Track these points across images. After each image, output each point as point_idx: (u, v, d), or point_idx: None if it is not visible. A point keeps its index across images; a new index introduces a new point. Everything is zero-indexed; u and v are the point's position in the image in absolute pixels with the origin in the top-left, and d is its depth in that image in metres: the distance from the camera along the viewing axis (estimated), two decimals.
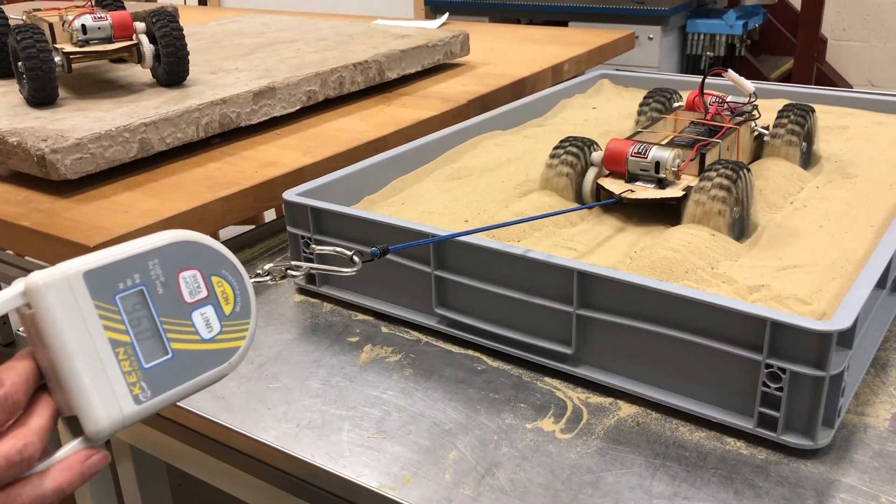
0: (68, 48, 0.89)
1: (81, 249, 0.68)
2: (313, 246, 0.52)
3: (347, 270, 0.49)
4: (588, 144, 0.75)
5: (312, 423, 0.57)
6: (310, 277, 0.74)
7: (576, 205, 0.74)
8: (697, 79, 1.07)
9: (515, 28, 1.65)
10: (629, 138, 0.74)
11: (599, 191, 0.73)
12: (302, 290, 0.75)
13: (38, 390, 0.39)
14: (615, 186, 0.71)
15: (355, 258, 0.50)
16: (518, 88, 1.15)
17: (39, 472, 0.38)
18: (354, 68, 1.05)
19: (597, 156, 0.73)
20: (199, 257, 0.42)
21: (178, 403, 0.60)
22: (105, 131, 0.79)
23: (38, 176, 0.79)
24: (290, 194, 0.73)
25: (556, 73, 1.23)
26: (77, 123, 0.81)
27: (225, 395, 0.61)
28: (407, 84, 1.15)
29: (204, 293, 0.42)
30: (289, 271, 0.48)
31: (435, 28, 1.39)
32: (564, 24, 2.58)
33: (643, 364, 0.57)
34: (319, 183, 0.76)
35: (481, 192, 0.79)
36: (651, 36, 2.50)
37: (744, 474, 0.50)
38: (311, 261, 0.48)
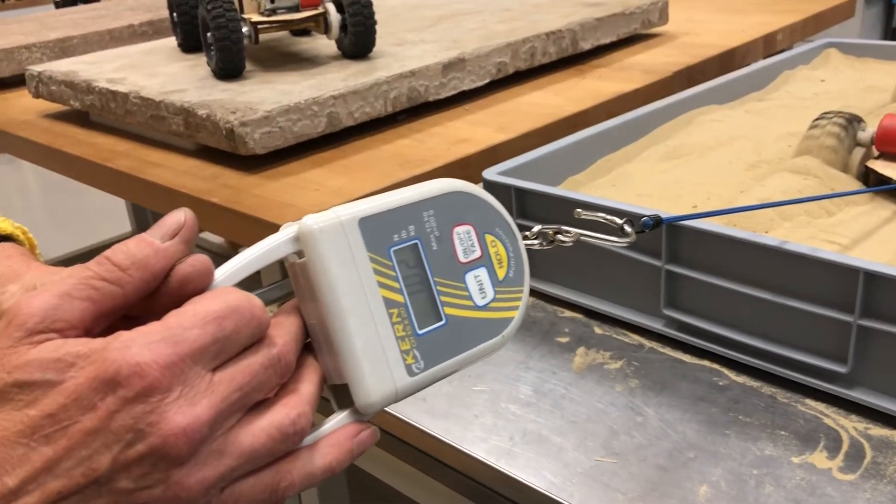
0: (255, 18, 0.85)
1: (272, 228, 0.63)
2: (578, 210, 0.45)
3: (621, 241, 0.42)
4: (853, 120, 0.63)
5: (528, 436, 0.49)
6: None
7: (837, 189, 0.62)
8: None
9: None
10: None
11: (869, 174, 0.60)
12: None
13: (303, 352, 0.34)
14: (891, 171, 0.58)
15: (626, 227, 0.42)
16: (727, 60, 1.02)
17: (308, 447, 0.33)
18: (547, 38, 0.96)
19: (865, 134, 0.61)
20: (474, 211, 0.36)
21: None
22: (294, 104, 0.74)
23: (226, 150, 0.75)
24: (491, 174, 0.65)
25: (767, 44, 1.09)
26: (265, 96, 0.77)
27: (425, 396, 0.54)
28: (601, 56, 1.04)
29: (478, 253, 0.36)
30: (557, 236, 0.40)
31: None
32: None
33: None
34: (519, 162, 0.68)
35: (706, 173, 0.69)
36: None
37: None
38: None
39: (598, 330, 0.60)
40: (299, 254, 0.33)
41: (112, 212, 2.33)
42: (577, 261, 0.62)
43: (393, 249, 0.34)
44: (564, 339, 0.59)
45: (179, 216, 0.32)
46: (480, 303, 0.36)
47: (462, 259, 0.36)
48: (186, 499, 0.29)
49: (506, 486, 0.47)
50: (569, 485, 0.45)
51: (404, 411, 0.52)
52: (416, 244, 0.34)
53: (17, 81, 1.14)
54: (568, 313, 0.62)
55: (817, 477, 0.44)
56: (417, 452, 0.52)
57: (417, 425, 0.51)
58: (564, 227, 0.40)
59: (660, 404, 0.51)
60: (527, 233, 0.40)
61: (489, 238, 0.36)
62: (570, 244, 0.40)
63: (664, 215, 0.44)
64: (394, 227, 0.34)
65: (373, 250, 0.33)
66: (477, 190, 0.37)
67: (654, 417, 0.50)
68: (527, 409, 0.52)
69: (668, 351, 0.56)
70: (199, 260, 0.32)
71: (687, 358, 0.55)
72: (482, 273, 0.36)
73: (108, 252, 0.31)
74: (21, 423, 0.28)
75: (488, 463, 0.48)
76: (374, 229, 0.33)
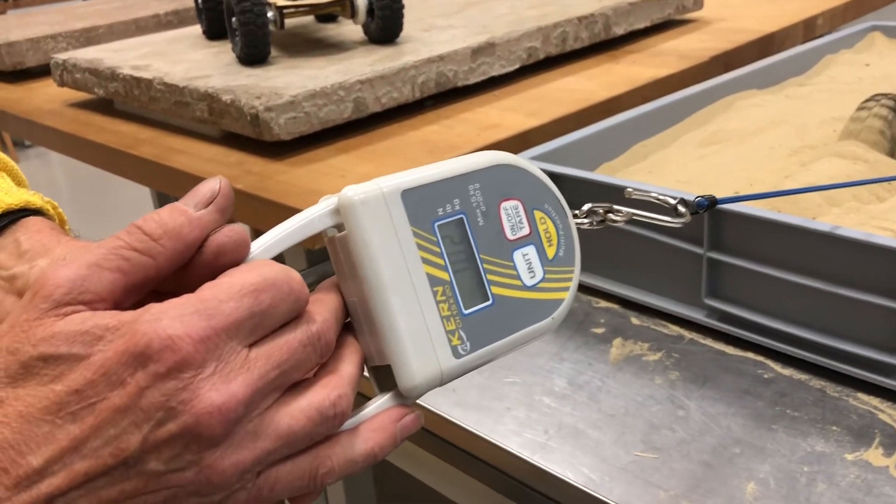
0: (281, 2, 0.83)
1: None
2: (629, 190, 0.43)
3: (675, 221, 0.39)
4: None
5: (563, 430, 0.47)
6: None
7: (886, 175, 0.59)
8: None
9: None
10: None
11: None
12: None
13: (342, 331, 0.32)
14: None
15: (680, 207, 0.39)
16: (765, 45, 0.99)
17: (348, 431, 0.31)
18: (579, 22, 0.94)
19: None
20: (522, 186, 0.34)
21: None
22: (320, 89, 0.73)
23: (251, 137, 0.74)
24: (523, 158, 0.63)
25: (807, 28, 1.06)
26: (290, 81, 0.76)
27: (455, 387, 0.52)
28: (634, 41, 1.02)
29: (526, 230, 0.34)
30: (608, 215, 0.38)
31: None
32: None
33: None
34: (551, 147, 0.66)
35: (747, 159, 0.66)
36: None
37: None
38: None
39: (634, 321, 0.57)
40: (339, 227, 0.31)
41: (138, 203, 2.34)
42: (611, 249, 0.59)
43: (437, 224, 0.32)
44: (600, 330, 0.57)
45: (214, 184, 0.30)
46: (529, 283, 0.34)
47: (509, 236, 0.34)
48: (220, 483, 0.27)
49: (541, 482, 0.45)
50: (607, 480, 0.43)
51: (434, 402, 0.50)
52: (461, 219, 0.32)
53: (42, 71, 1.13)
54: (603, 303, 0.60)
55: (873, 475, 0.41)
56: (447, 446, 0.50)
57: (448, 417, 0.49)
58: (616, 206, 0.38)
59: (702, 397, 0.49)
60: (576, 211, 0.38)
61: (538, 214, 0.34)
62: (622, 223, 0.38)
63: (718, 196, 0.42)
64: (438, 200, 0.32)
65: (416, 224, 0.31)
66: (525, 163, 0.35)
67: (696, 411, 0.47)
68: (562, 401, 0.50)
69: (709, 342, 0.54)
70: (235, 230, 0.30)
71: (729, 349, 0.53)
72: (531, 251, 0.34)
73: (139, 221, 0.29)
74: (46, 399, 0.26)
75: (522, 457, 0.45)
76: (418, 202, 0.31)
